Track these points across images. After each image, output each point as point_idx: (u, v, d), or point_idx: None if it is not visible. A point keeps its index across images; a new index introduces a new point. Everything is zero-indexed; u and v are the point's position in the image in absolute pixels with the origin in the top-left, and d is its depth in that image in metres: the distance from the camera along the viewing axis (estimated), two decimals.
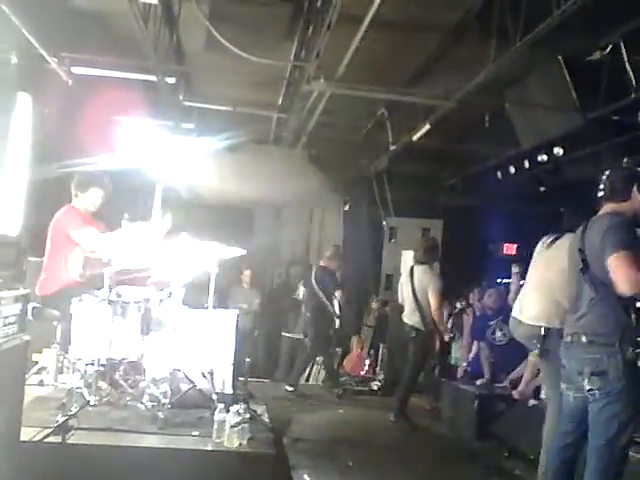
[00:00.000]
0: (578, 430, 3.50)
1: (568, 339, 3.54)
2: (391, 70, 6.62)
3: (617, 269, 3.23)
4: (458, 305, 8.02)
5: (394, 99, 7.17)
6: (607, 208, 3.52)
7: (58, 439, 3.79)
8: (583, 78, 5.89)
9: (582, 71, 5.87)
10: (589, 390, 3.33)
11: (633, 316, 3.30)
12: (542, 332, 4.25)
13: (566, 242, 4.04)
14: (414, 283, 6.53)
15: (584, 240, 3.49)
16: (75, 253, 5.00)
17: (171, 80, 6.20)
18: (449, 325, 7.97)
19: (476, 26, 5.55)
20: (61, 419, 3.90)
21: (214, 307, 5.44)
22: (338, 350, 9.31)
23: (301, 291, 9.07)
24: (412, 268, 6.68)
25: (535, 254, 4.53)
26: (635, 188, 3.49)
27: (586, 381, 3.34)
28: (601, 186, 3.56)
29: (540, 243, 4.52)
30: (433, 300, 6.35)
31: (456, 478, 5.09)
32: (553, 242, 4.39)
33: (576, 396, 3.49)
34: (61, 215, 5.16)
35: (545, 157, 7.65)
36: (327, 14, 4.99)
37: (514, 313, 4.57)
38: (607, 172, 3.58)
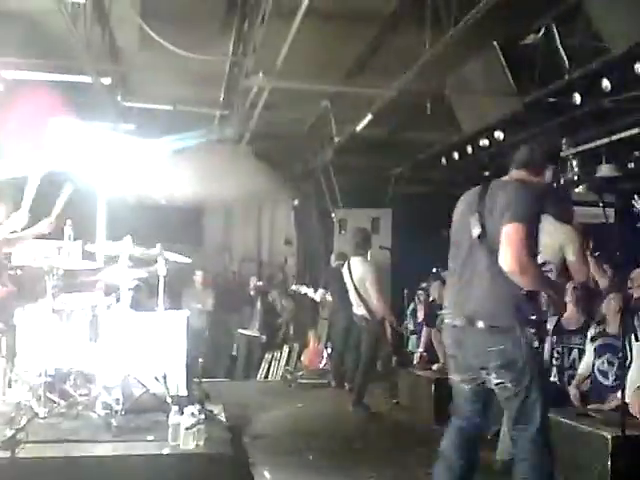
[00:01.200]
0: (476, 416, 3.26)
1: (457, 322, 3.16)
2: (330, 62, 6.60)
3: (510, 240, 2.93)
4: (420, 293, 8.04)
5: (335, 91, 7.16)
6: (516, 175, 3.28)
7: (7, 454, 3.69)
8: (518, 62, 5.97)
9: (517, 55, 5.95)
10: (498, 384, 3.06)
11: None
12: None
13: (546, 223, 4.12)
14: (352, 275, 6.58)
15: (483, 203, 3.13)
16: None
17: (106, 80, 6.07)
18: (408, 313, 8.04)
19: (411, 14, 5.57)
20: (9, 433, 3.81)
21: (165, 309, 5.39)
22: (295, 345, 9.33)
23: (320, 294, 8.61)
24: (348, 261, 6.73)
25: None
26: (550, 166, 3.28)
27: (493, 375, 3.06)
28: (518, 153, 3.33)
29: None
30: (372, 291, 6.40)
31: (417, 463, 5.13)
32: None
33: (473, 387, 3.22)
34: None
35: (487, 142, 7.74)
36: (261, 7, 4.95)
37: None
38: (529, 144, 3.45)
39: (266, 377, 9.07)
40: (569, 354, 5.19)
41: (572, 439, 4.27)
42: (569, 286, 5.03)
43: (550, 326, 5.10)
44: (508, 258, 2.91)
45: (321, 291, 8.23)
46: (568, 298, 5.05)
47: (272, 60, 6.00)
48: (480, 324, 3.05)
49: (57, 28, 5.12)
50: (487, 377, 3.10)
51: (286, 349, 9.36)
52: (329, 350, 8.90)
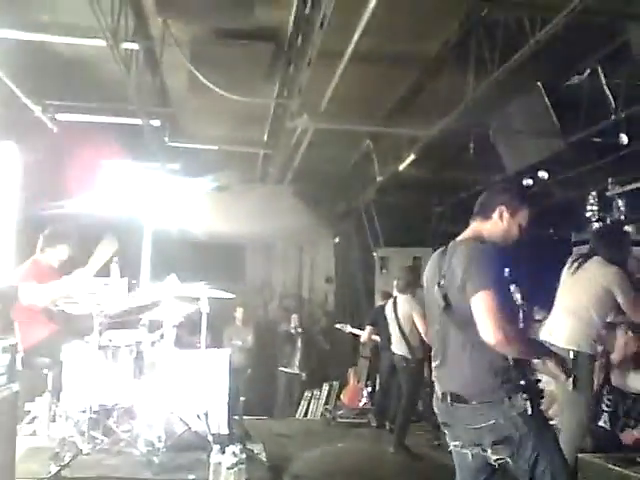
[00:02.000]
0: None
1: (447, 399, 2.87)
2: (373, 102, 6.69)
3: (484, 312, 2.66)
4: None
5: (378, 131, 7.23)
6: (470, 229, 3.03)
7: None
8: (563, 102, 5.96)
9: (562, 96, 5.95)
10: (498, 460, 2.78)
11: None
12: (572, 356, 3.97)
13: (594, 264, 4.06)
14: (397, 313, 6.57)
15: (443, 271, 2.87)
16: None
17: (156, 123, 6.24)
18: None
19: (454, 57, 5.62)
20: (54, 470, 3.85)
21: (207, 347, 5.42)
22: (335, 383, 9.27)
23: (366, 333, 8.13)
24: (395, 298, 6.73)
25: (563, 277, 4.36)
26: (504, 207, 2.94)
27: (489, 451, 2.78)
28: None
29: (566, 266, 4.42)
30: (421, 324, 6.34)
31: None
32: (580, 265, 4.26)
33: (475, 454, 2.87)
34: (37, 267, 5.20)
35: (530, 181, 7.70)
36: (307, 51, 5.05)
37: (542, 336, 4.50)
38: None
39: (305, 415, 9.01)
40: (623, 401, 5.04)
41: None
42: (620, 329, 4.92)
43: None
44: (490, 332, 2.64)
45: (369, 329, 8.18)
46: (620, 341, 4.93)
47: (316, 102, 6.12)
48: (466, 402, 2.81)
49: (111, 73, 5.30)
50: (485, 454, 2.82)
51: (326, 387, 9.30)
52: (369, 389, 8.83)
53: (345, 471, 5.75)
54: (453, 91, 5.69)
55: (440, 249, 3.01)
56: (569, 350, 4.01)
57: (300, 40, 5.22)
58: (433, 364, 3.03)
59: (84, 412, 4.51)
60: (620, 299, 4.18)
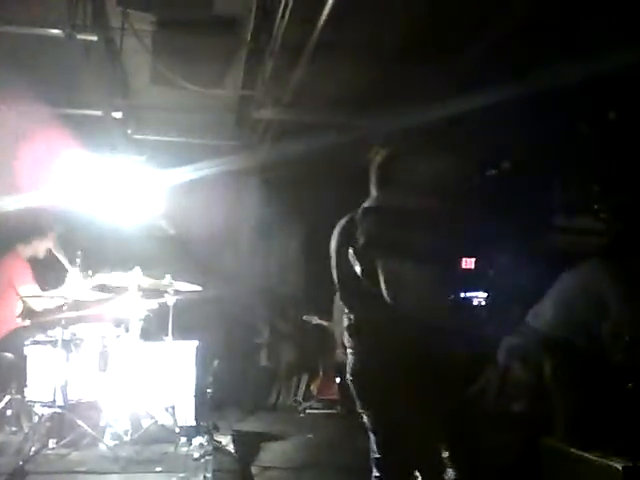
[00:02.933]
0: None
1: None
2: (339, 94, 6.68)
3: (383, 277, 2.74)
4: None
5: (344, 123, 7.22)
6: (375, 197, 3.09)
7: None
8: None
9: None
10: None
11: None
12: None
13: None
14: None
15: (353, 236, 2.92)
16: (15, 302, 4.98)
17: (118, 115, 6.16)
18: None
19: (419, 49, 5.63)
20: (17, 464, 3.81)
21: (175, 339, 5.40)
22: (305, 375, 9.27)
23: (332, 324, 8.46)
24: None
25: None
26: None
27: None
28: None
29: None
30: None
31: None
32: None
33: None
34: (6, 264, 5.14)
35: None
36: (269, 42, 5.04)
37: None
38: None
39: (275, 406, 9.01)
40: None
41: (582, 470, 4.22)
42: None
43: None
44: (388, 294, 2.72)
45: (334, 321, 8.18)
46: None
47: (281, 93, 6.10)
48: None
49: (69, 63, 5.22)
50: None
51: (295, 379, 9.31)
52: (339, 380, 8.85)
53: (314, 462, 5.77)
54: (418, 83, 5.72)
55: (347, 217, 3.04)
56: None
57: (262, 31, 5.20)
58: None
59: (49, 407, 4.48)
60: None
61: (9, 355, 4.92)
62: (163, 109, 6.79)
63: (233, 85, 6.33)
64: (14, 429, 4.84)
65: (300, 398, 8.77)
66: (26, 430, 4.48)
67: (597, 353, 4.57)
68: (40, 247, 5.28)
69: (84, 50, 4.89)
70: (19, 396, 4.77)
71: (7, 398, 4.79)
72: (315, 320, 8.62)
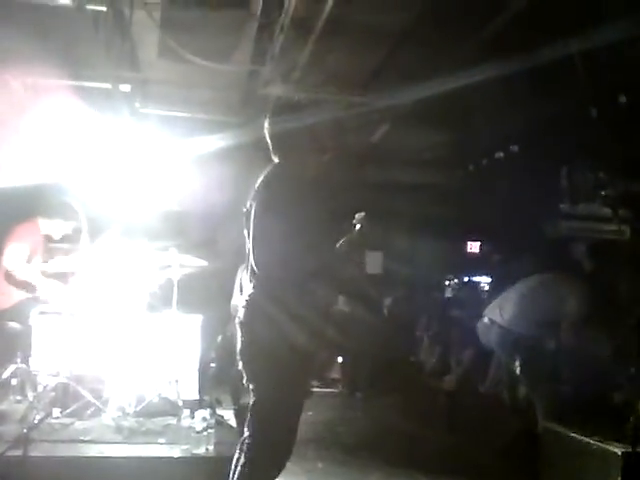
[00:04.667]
0: None
1: None
2: (348, 72, 6.64)
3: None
4: None
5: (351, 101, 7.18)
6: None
7: (19, 452, 3.74)
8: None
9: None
10: None
11: None
12: None
13: None
14: None
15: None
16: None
17: (126, 88, 6.14)
18: None
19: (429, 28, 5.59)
20: (22, 431, 3.85)
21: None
22: None
23: None
24: None
25: None
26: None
27: None
28: None
29: None
30: None
31: (426, 475, 5.12)
32: None
33: None
34: (23, 232, 5.14)
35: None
36: (280, 17, 5.00)
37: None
38: None
39: None
40: None
41: (581, 454, 4.25)
42: None
43: None
44: None
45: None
46: None
47: (290, 70, 6.07)
48: None
49: (78, 34, 5.20)
50: None
51: None
52: (340, 359, 8.90)
53: (315, 438, 5.81)
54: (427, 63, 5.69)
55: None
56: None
57: (272, 6, 5.16)
58: None
59: (54, 377, 4.52)
60: None
61: (16, 325, 4.95)
62: (171, 83, 6.75)
63: (241, 61, 6.29)
64: (19, 398, 4.88)
65: None
66: (31, 399, 4.52)
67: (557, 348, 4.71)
68: (59, 228, 5.27)
69: (93, 22, 4.86)
70: (24, 366, 4.81)
71: (13, 367, 4.83)
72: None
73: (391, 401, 7.28)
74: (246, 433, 2.98)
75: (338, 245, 3.04)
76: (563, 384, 5.32)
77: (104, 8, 4.45)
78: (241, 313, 2.98)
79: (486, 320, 4.61)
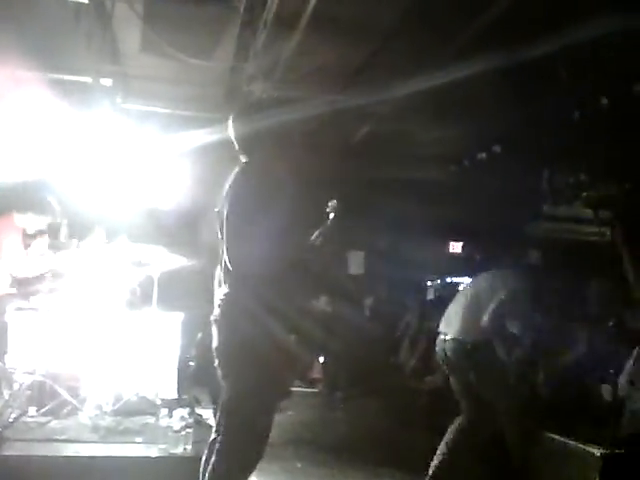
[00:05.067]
0: None
1: None
2: (331, 71, 6.61)
3: None
4: None
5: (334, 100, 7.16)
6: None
7: None
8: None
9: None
10: None
11: None
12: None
13: None
14: None
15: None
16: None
17: (107, 82, 6.06)
18: None
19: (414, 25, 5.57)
20: None
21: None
22: None
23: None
24: None
25: None
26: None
27: None
28: None
29: None
30: None
31: (406, 475, 5.10)
32: None
33: None
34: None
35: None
36: (263, 13, 4.97)
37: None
38: None
39: None
40: None
41: (560, 455, 4.26)
42: None
43: None
44: None
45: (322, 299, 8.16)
46: None
47: (273, 67, 6.02)
48: None
49: (59, 27, 5.12)
50: None
51: None
52: (321, 359, 8.88)
53: (294, 438, 5.78)
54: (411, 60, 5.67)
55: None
56: None
57: (256, 2, 5.12)
58: None
59: (30, 374, 4.45)
60: None
61: None
62: (153, 79, 6.68)
63: (224, 57, 6.24)
64: None
65: None
66: (6, 397, 4.44)
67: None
68: (34, 222, 5.19)
69: (74, 14, 4.79)
70: (0, 363, 4.74)
71: None
72: None
73: (371, 402, 7.28)
74: (215, 434, 2.93)
75: (313, 238, 3.03)
76: (539, 385, 5.34)
77: (85, 0, 4.38)
78: (217, 311, 2.96)
79: (441, 336, 4.55)
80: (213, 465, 2.88)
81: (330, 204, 3.14)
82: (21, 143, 5.85)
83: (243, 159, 3.11)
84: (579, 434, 4.36)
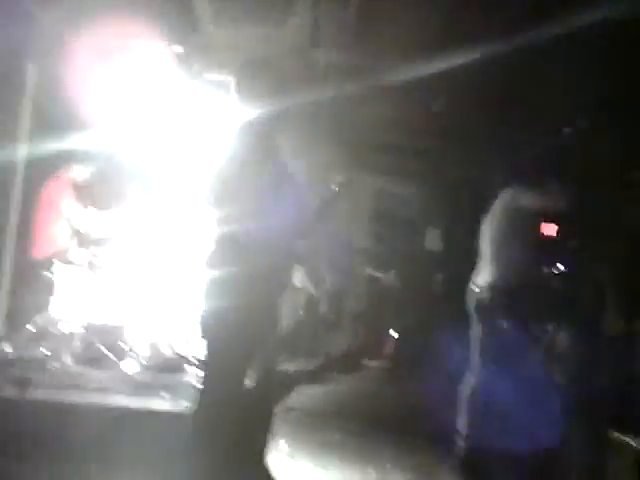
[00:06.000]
0: None
1: None
2: (398, 40, 6.41)
3: None
4: None
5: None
6: None
7: (21, 394, 3.87)
8: None
9: None
10: None
11: None
12: None
13: None
14: None
15: None
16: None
17: (179, 49, 6.18)
18: None
19: None
20: (26, 375, 3.99)
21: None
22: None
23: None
24: None
25: None
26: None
27: None
28: None
29: None
30: None
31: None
32: None
33: None
34: (50, 187, 5.25)
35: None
36: None
37: None
38: None
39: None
40: None
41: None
42: None
43: None
44: None
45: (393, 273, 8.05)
46: None
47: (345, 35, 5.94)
48: None
49: None
50: None
51: (352, 329, 9.27)
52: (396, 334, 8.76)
53: (339, 410, 5.74)
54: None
55: None
56: None
57: None
58: None
59: (71, 325, 4.64)
60: None
61: (50, 275, 5.10)
62: (225, 48, 6.75)
63: (297, 26, 6.21)
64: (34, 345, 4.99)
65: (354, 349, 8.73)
66: (48, 347, 4.65)
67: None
68: (81, 173, 5.34)
69: None
70: (48, 313, 4.97)
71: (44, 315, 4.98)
72: (370, 271, 8.52)
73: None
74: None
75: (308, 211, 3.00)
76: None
77: None
78: None
79: (471, 286, 4.38)
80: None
81: (337, 178, 3.15)
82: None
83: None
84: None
